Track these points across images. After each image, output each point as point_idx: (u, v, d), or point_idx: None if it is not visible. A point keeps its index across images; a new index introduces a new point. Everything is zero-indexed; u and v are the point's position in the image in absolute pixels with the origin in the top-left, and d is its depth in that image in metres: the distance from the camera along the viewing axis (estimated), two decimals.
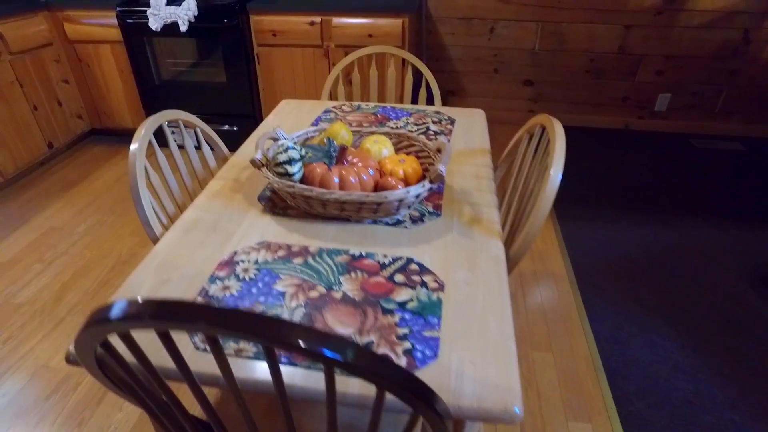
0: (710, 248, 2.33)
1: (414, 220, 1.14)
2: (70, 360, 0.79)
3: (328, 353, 0.47)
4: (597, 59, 3.33)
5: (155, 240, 1.19)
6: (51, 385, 1.67)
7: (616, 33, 3.22)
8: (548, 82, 3.45)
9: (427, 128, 1.57)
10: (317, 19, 2.73)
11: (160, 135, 3.01)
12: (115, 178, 2.95)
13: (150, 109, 3.16)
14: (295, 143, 1.14)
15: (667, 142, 3.37)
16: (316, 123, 1.61)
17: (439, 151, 1.20)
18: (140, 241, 2.38)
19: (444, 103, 3.57)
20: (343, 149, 1.15)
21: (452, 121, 1.63)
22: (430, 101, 3.31)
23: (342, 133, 1.22)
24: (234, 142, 3.16)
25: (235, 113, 3.06)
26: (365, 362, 0.49)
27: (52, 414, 1.57)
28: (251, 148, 1.48)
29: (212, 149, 1.50)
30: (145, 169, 1.22)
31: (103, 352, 0.60)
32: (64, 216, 2.60)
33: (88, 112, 3.32)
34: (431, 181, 1.09)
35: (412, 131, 1.56)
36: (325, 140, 1.19)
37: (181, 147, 3.30)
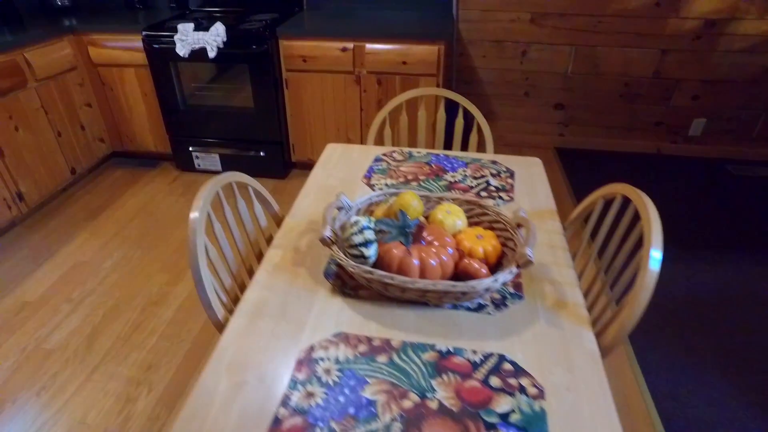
0: (762, 288, 2.25)
1: (497, 305, 1.06)
2: None
3: None
4: (631, 83, 3.24)
5: (218, 324, 1.11)
6: None
7: (652, 57, 3.13)
8: (580, 106, 3.36)
9: (487, 183, 1.49)
10: (350, 45, 2.65)
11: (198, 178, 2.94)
12: (138, 206, 2.88)
13: (173, 134, 3.09)
14: (367, 218, 1.06)
15: (701, 167, 3.28)
16: (368, 174, 1.53)
17: (519, 225, 1.12)
18: (170, 280, 2.31)
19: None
20: (420, 228, 1.07)
21: (511, 174, 1.55)
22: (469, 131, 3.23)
23: (413, 204, 1.14)
24: (261, 168, 3.09)
25: (262, 139, 2.98)
26: None
27: None
28: (304, 206, 1.40)
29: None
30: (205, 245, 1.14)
31: None
32: (90, 249, 2.53)
33: (109, 136, 3.26)
34: (518, 266, 1.01)
35: (471, 186, 1.48)
36: (397, 213, 1.11)
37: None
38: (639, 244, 1.12)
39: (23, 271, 2.38)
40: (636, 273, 1.05)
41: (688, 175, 3.18)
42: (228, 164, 3.12)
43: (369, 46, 2.63)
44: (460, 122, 1.85)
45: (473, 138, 1.86)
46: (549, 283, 1.13)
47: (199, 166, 3.17)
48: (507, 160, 1.64)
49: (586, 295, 1.21)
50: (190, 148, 3.12)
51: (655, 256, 1.00)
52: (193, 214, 1.10)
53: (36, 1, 3.30)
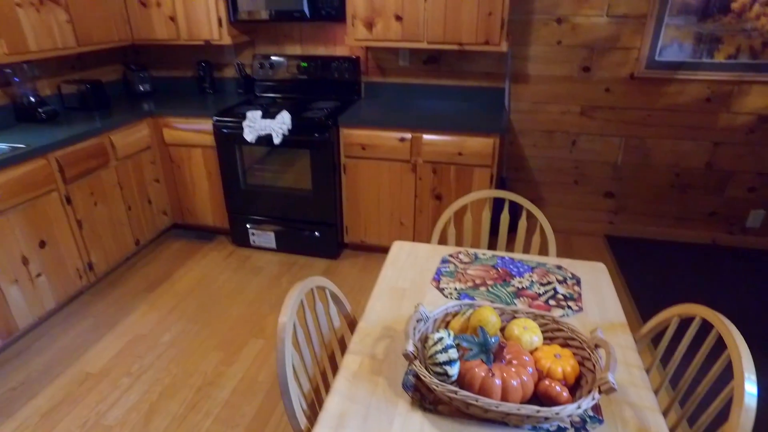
0: None
1: (577, 428, 1.05)
2: None
3: None
4: (682, 174, 3.25)
5: None
6: None
7: (704, 149, 3.15)
8: (630, 195, 3.37)
9: (555, 290, 1.51)
10: (408, 135, 2.78)
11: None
12: (195, 280, 2.98)
13: (232, 210, 3.24)
14: (449, 335, 1.09)
15: (761, 260, 3.19)
16: (437, 277, 1.57)
17: (597, 346, 1.12)
18: (225, 358, 2.35)
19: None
20: (500, 347, 1.09)
21: (577, 281, 1.56)
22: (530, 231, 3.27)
23: (491, 320, 1.17)
24: (314, 247, 3.18)
25: (317, 220, 3.09)
26: None
27: None
28: (377, 309, 1.44)
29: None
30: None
31: None
32: (149, 321, 2.62)
33: (172, 209, 3.44)
34: (601, 392, 1.01)
35: (539, 294, 1.49)
36: (477, 330, 1.13)
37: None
38: (721, 368, 1.10)
39: (87, 341, 2.47)
40: (723, 404, 1.03)
41: (746, 267, 3.09)
42: (282, 242, 3.23)
43: (426, 137, 2.76)
44: (523, 224, 1.89)
45: (536, 239, 1.89)
46: (628, 406, 1.11)
47: (254, 242, 3.29)
48: (572, 265, 1.66)
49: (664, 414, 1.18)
50: (247, 225, 3.26)
51: (750, 390, 0.98)
52: (282, 319, 1.15)
53: (122, 87, 3.64)
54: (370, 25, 2.83)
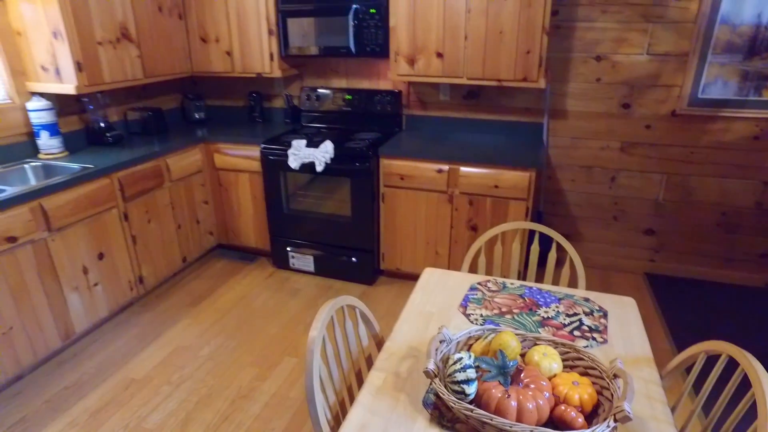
0: None
1: None
2: None
3: None
4: (730, 213, 3.16)
5: None
6: None
7: (753, 188, 3.07)
8: (672, 233, 3.30)
9: (581, 321, 1.52)
10: (445, 167, 2.86)
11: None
12: (237, 298, 3.12)
13: (274, 233, 3.39)
14: (467, 355, 1.13)
15: None
16: (464, 304, 1.62)
17: (616, 376, 1.14)
18: (259, 374, 2.44)
19: (559, 248, 3.50)
20: (518, 371, 1.13)
21: (604, 314, 1.57)
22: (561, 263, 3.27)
23: (512, 344, 1.21)
24: (351, 273, 3.27)
25: (355, 246, 3.19)
26: None
27: None
28: (404, 331, 1.49)
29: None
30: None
31: None
32: (191, 334, 2.75)
33: (218, 230, 3.63)
34: (616, 420, 1.02)
35: (564, 324, 1.51)
36: (497, 354, 1.17)
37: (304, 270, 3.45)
38: (746, 407, 1.09)
39: (133, 349, 2.63)
40: None
41: None
42: (320, 266, 3.33)
43: (463, 169, 2.83)
44: (552, 256, 1.92)
45: (565, 271, 1.91)
46: None
47: (293, 265, 3.42)
48: (600, 298, 1.67)
49: None
50: (288, 248, 3.39)
51: None
52: (312, 333, 1.23)
53: (180, 114, 3.92)
54: (412, 62, 2.96)
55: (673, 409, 1.35)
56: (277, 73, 3.34)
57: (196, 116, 3.79)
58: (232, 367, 2.49)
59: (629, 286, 3.27)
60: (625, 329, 1.51)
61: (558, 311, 1.58)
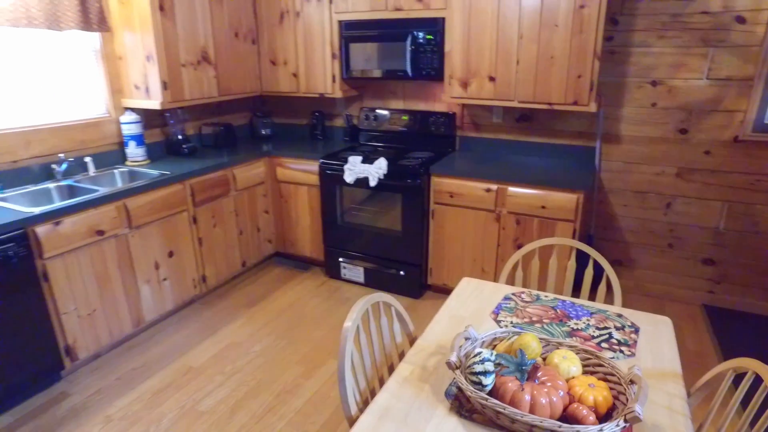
0: None
1: None
2: None
3: None
4: None
5: (349, 418, 1.31)
6: None
7: None
8: (734, 264, 3.17)
9: (610, 335, 1.55)
10: (494, 186, 2.94)
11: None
12: (289, 303, 3.30)
13: (328, 244, 3.57)
14: (489, 350, 1.22)
15: None
16: (497, 311, 1.69)
17: (632, 382, 1.18)
18: (304, 372, 2.58)
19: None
20: (535, 368, 1.20)
21: (636, 330, 1.59)
22: (599, 281, 3.23)
23: (532, 345, 1.27)
24: (398, 286, 3.38)
25: (404, 260, 3.30)
26: None
27: None
28: (435, 331, 1.59)
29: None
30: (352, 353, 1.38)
31: None
32: (244, 332, 2.95)
33: (276, 238, 3.86)
34: (626, 421, 1.07)
35: (593, 336, 1.55)
36: (517, 352, 1.24)
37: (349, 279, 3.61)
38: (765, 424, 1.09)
39: (193, 341, 2.86)
40: None
41: None
42: (370, 278, 3.47)
43: (511, 189, 2.89)
44: (589, 272, 1.95)
45: (601, 289, 1.93)
46: None
47: (344, 275, 3.57)
48: (634, 315, 1.69)
49: None
50: (340, 259, 3.56)
51: None
52: (347, 324, 1.36)
53: (248, 130, 4.24)
54: (465, 85, 3.09)
55: (700, 427, 1.35)
56: (339, 94, 3.57)
57: (263, 132, 4.09)
58: (280, 365, 2.65)
59: (685, 317, 3.16)
60: (656, 346, 1.52)
61: (588, 324, 1.61)
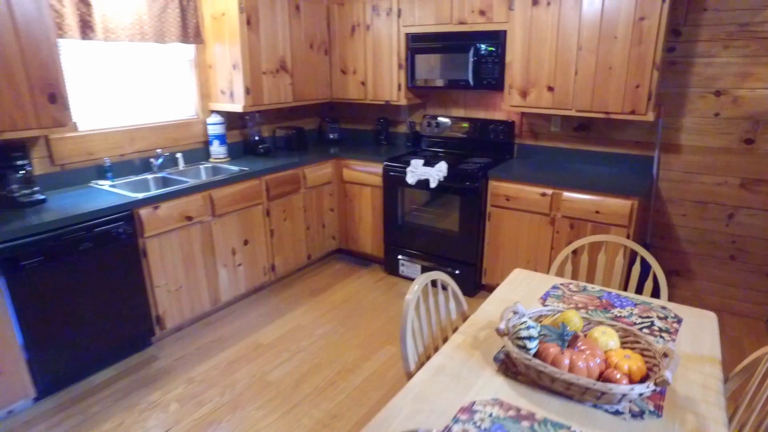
0: None
1: (634, 415, 1.23)
2: None
3: None
4: None
5: (408, 374, 1.50)
6: None
7: None
8: None
9: (652, 323, 1.66)
10: (549, 191, 3.05)
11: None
12: (350, 295, 3.54)
13: (388, 242, 3.79)
14: (534, 321, 1.37)
15: None
16: (545, 297, 1.83)
17: (665, 355, 1.30)
18: (362, 355, 2.79)
19: (669, 284, 3.44)
20: (575, 336, 1.34)
21: (679, 321, 1.68)
22: (655, 293, 3.23)
23: (574, 320, 1.41)
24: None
25: (459, 259, 3.46)
26: None
27: None
28: (487, 310, 1.75)
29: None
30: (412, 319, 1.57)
31: None
32: (308, 317, 3.21)
33: (339, 235, 4.12)
34: (656, 384, 1.19)
35: (635, 322, 1.66)
36: (559, 324, 1.39)
37: (410, 277, 3.80)
38: None
39: (262, 322, 3.14)
40: None
41: None
42: None
43: (566, 194, 3.00)
44: (636, 269, 2.04)
45: (648, 284, 2.02)
46: (693, 414, 1.25)
47: (402, 272, 3.77)
48: (678, 308, 1.77)
49: None
50: (399, 257, 3.76)
51: None
52: (408, 296, 1.56)
53: (317, 134, 4.56)
54: (524, 94, 3.23)
55: (736, 410, 1.44)
56: (403, 102, 3.80)
57: (331, 136, 4.39)
58: (341, 347, 2.88)
59: (747, 331, 3.11)
60: (697, 335, 1.61)
61: (632, 313, 1.72)
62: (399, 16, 3.61)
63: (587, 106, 3.03)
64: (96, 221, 2.45)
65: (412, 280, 3.75)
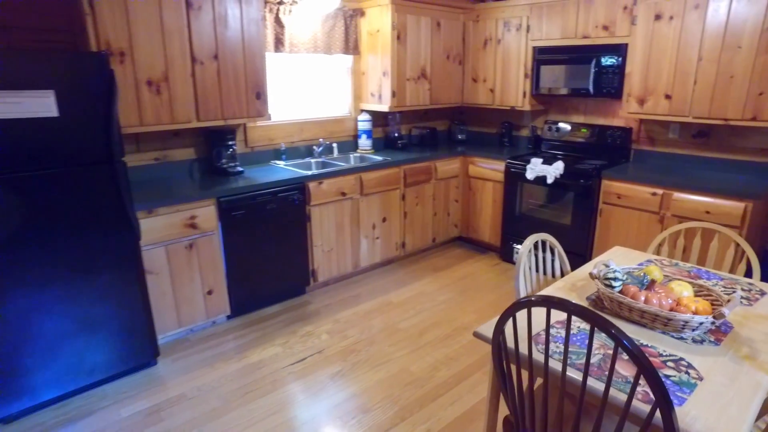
0: None
1: (695, 341, 1.60)
2: (477, 335, 1.61)
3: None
4: None
5: None
6: (409, 379, 2.62)
7: None
8: None
9: (734, 291, 1.95)
10: (659, 191, 3.29)
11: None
12: (468, 273, 4.04)
13: (506, 233, 4.22)
14: (620, 270, 1.78)
15: None
16: (638, 267, 2.19)
17: (729, 301, 1.64)
18: (476, 319, 3.28)
19: None
20: (652, 282, 1.73)
21: (762, 293, 1.95)
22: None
23: (655, 273, 1.80)
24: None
25: (571, 250, 3.80)
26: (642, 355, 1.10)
27: (401, 401, 2.50)
28: (585, 269, 2.16)
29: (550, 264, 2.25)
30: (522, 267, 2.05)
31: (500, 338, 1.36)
32: (431, 288, 3.77)
33: (461, 224, 4.64)
34: (714, 317, 1.55)
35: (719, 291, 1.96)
36: (642, 274, 1.79)
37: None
38: None
39: (392, 287, 3.77)
40: None
41: None
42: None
43: (677, 194, 3.22)
44: (730, 253, 2.29)
45: (742, 266, 2.26)
46: (749, 347, 1.58)
47: (516, 259, 4.19)
48: (765, 286, 2.03)
49: None
50: (514, 245, 4.18)
51: None
52: (521, 248, 2.04)
53: (446, 134, 5.13)
54: (642, 102, 3.49)
55: None
56: (527, 108, 4.22)
57: (459, 137, 4.93)
58: (458, 311, 3.40)
59: None
60: None
61: (717, 284, 2.02)
62: (528, 31, 4.05)
63: (705, 113, 3.23)
64: (279, 189, 3.25)
65: None
